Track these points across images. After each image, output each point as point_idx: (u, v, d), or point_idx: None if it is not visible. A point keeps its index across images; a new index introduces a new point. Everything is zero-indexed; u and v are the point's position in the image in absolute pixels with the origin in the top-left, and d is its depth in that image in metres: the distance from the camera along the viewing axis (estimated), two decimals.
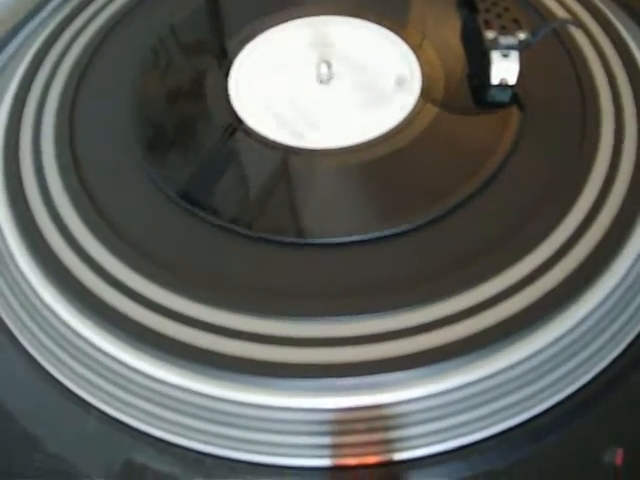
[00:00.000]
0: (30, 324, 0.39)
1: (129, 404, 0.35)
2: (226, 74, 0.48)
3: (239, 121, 0.45)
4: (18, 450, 0.35)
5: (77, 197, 0.41)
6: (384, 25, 0.50)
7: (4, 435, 0.36)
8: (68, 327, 0.37)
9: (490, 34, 0.44)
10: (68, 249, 0.39)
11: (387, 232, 0.39)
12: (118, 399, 0.36)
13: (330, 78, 0.47)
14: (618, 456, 0.33)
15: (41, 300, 0.38)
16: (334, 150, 0.43)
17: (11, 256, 0.40)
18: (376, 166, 0.42)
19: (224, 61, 0.49)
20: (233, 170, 0.44)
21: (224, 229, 0.40)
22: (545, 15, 0.49)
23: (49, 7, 0.55)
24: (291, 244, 0.39)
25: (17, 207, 0.41)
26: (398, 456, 0.34)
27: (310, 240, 0.39)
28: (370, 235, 0.39)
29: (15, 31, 0.54)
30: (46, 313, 0.38)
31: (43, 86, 0.48)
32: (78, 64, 0.49)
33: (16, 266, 0.40)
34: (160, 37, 0.51)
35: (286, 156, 0.43)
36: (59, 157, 0.44)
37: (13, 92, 0.48)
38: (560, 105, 0.44)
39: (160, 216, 0.41)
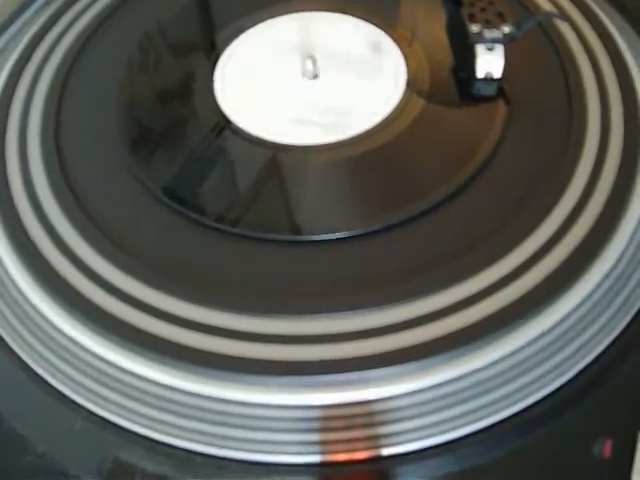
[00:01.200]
0: (17, 325, 0.38)
1: (117, 404, 0.35)
2: (212, 72, 0.48)
3: (226, 119, 0.45)
4: (7, 451, 0.35)
5: (64, 197, 0.41)
6: (370, 21, 0.50)
7: None
8: (55, 328, 0.37)
9: (475, 28, 0.44)
10: (55, 250, 0.39)
11: (373, 228, 0.39)
12: (106, 399, 0.36)
13: (316, 74, 0.47)
14: (606, 447, 0.33)
15: (28, 301, 0.38)
16: (320, 146, 0.43)
17: None
18: (363, 162, 0.42)
19: (210, 59, 0.49)
20: (219, 168, 0.43)
21: (212, 228, 0.40)
22: (530, 8, 0.49)
23: (35, 5, 0.55)
24: (277, 242, 0.39)
25: (3, 208, 0.41)
26: (387, 451, 0.34)
27: (298, 238, 0.39)
28: (357, 232, 0.39)
29: (1, 29, 0.54)
30: (33, 314, 0.38)
31: (29, 85, 0.48)
32: (64, 62, 0.49)
33: (3, 267, 0.40)
34: (146, 35, 0.51)
35: (273, 153, 0.43)
36: (45, 156, 0.44)
37: None
38: (546, 97, 0.44)
39: (149, 216, 0.41)
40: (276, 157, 0.43)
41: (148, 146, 0.45)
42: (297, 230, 0.40)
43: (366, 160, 0.42)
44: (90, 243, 0.39)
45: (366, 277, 0.37)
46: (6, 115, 0.46)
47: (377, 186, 0.41)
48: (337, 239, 0.39)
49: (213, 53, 0.49)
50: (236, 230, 0.39)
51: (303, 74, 0.47)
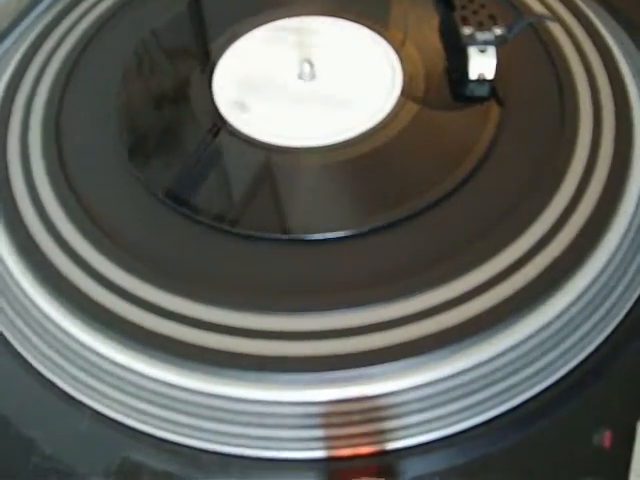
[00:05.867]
0: (22, 326, 0.39)
1: (123, 403, 0.36)
2: (210, 75, 0.48)
3: (223, 121, 0.46)
4: (15, 453, 0.35)
5: (66, 200, 0.42)
6: (365, 24, 0.51)
7: (0, 439, 0.36)
8: (59, 328, 0.37)
9: (467, 30, 0.45)
10: (58, 250, 0.39)
11: (372, 226, 0.39)
12: (112, 398, 0.36)
13: (312, 77, 0.47)
14: (606, 438, 0.34)
15: (32, 302, 0.38)
16: (317, 148, 0.44)
17: (1, 260, 0.40)
18: (359, 163, 0.43)
19: (208, 62, 0.49)
20: (216, 169, 0.44)
21: (212, 228, 0.40)
22: (522, 11, 0.50)
23: (34, 14, 0.55)
24: (278, 240, 0.39)
25: (6, 209, 0.42)
26: (391, 445, 0.34)
27: (299, 236, 0.40)
28: (357, 230, 0.39)
29: (3, 35, 0.54)
30: (37, 315, 0.38)
31: (30, 89, 0.48)
32: (64, 65, 0.50)
33: (7, 269, 0.40)
34: (145, 39, 0.51)
35: (269, 155, 0.44)
36: (46, 159, 0.44)
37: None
38: (539, 97, 0.45)
39: (150, 217, 0.41)
40: (273, 159, 0.43)
41: (147, 147, 0.45)
42: (298, 229, 0.40)
43: (362, 162, 0.43)
44: (93, 244, 0.39)
45: (366, 274, 0.37)
46: (7, 119, 0.46)
47: (374, 187, 0.42)
48: (338, 238, 0.39)
49: (211, 56, 0.50)
50: (236, 229, 0.40)
51: (300, 77, 0.48)
